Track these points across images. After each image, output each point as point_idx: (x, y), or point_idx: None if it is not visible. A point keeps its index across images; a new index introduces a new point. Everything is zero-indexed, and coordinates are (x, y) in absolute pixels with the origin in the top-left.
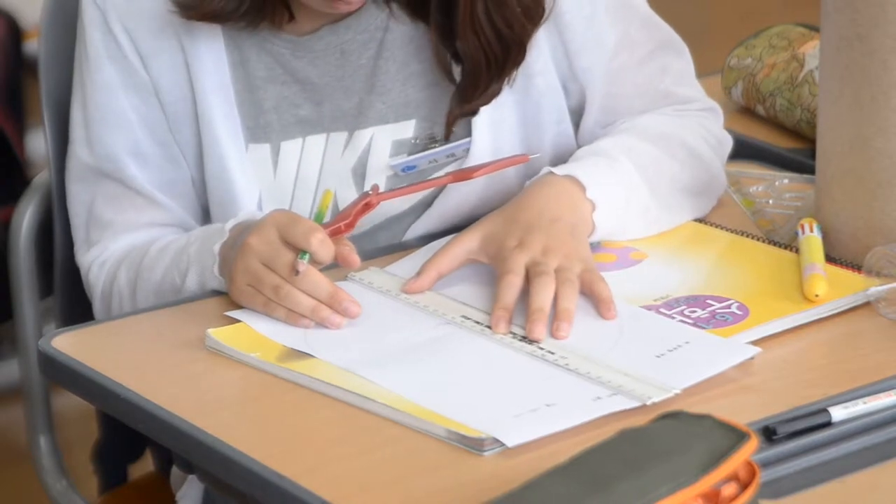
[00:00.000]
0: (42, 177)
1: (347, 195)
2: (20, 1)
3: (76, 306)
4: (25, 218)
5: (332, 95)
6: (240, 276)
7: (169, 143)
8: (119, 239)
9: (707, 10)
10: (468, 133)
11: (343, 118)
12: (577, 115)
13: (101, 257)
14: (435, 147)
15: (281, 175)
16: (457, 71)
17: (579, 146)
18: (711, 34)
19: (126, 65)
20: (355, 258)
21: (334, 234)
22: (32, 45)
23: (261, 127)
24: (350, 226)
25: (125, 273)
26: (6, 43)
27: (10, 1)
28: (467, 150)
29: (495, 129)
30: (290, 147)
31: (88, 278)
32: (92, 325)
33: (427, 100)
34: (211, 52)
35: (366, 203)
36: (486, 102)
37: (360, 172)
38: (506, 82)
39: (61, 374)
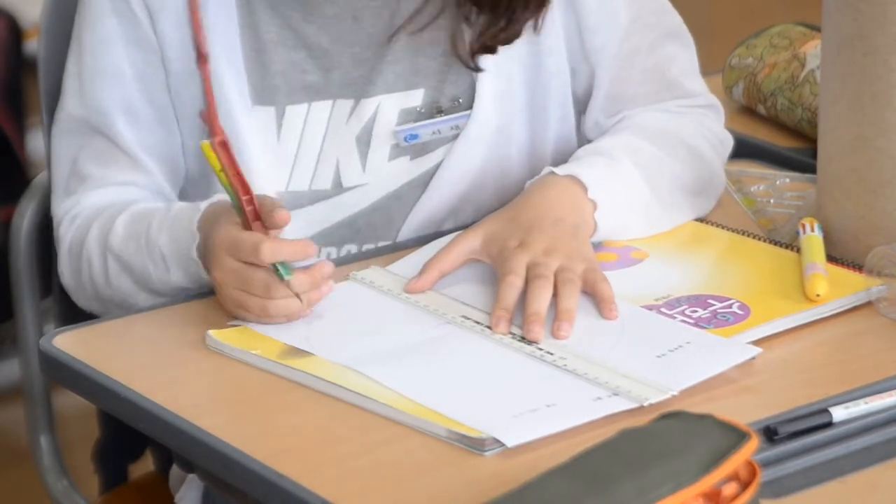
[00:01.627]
0: (42, 177)
1: (350, 163)
2: (20, 1)
3: (76, 306)
4: (25, 218)
5: (340, 62)
6: (228, 305)
7: (164, 105)
8: (93, 194)
9: (708, 9)
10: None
11: (351, 85)
12: (581, 104)
13: (73, 211)
14: (440, 117)
15: (284, 139)
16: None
17: (581, 135)
18: (712, 33)
19: (132, 19)
20: (283, 214)
21: (256, 218)
22: (32, 45)
23: (267, 89)
24: (247, 191)
25: (96, 243)
26: (6, 43)
27: (10, 1)
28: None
29: (500, 102)
30: (295, 112)
31: (59, 231)
32: (92, 324)
33: (437, 69)
34: (221, 10)
35: (220, 143)
36: (508, 41)
37: (364, 140)
38: (527, 26)
39: (62, 373)
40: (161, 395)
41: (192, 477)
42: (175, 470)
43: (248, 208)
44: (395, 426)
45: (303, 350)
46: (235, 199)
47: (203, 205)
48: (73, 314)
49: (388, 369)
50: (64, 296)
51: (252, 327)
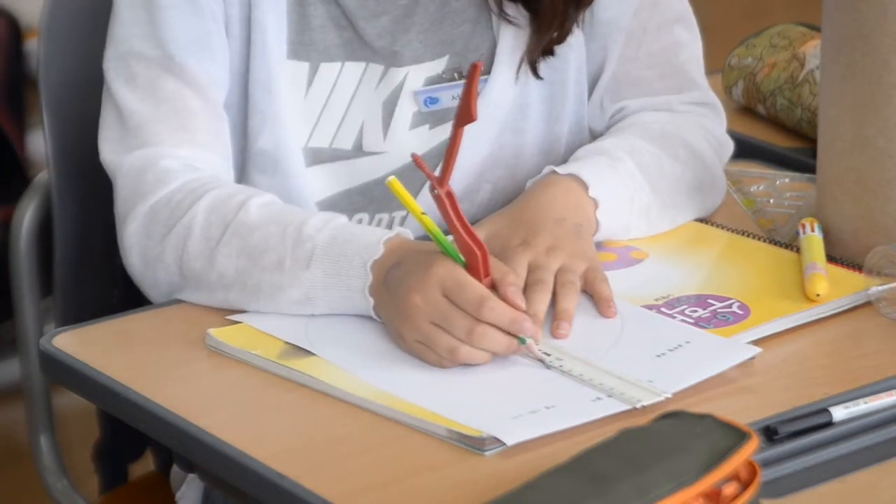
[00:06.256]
0: (42, 177)
1: (374, 128)
2: (20, 1)
3: (76, 306)
4: (25, 218)
5: (368, 30)
6: (408, 334)
7: (226, 46)
8: (176, 153)
9: (708, 9)
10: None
11: (381, 54)
12: (592, 86)
13: (154, 167)
14: (460, 81)
15: (311, 97)
16: (511, 7)
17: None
18: (712, 33)
19: None
20: (515, 290)
21: (486, 275)
22: (32, 45)
23: (304, 44)
24: (482, 248)
25: (209, 213)
26: (6, 43)
27: (10, 1)
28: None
29: (519, 70)
30: (328, 70)
31: (142, 181)
32: (92, 324)
33: (461, 36)
34: None
35: (447, 194)
36: (561, 41)
37: (389, 108)
38: (577, 23)
39: (62, 373)
40: (161, 395)
41: (192, 477)
42: (175, 470)
43: (482, 268)
44: (395, 426)
45: (303, 350)
46: (454, 253)
47: (396, 230)
48: (73, 314)
49: (387, 371)
50: (63, 296)
51: (252, 324)
